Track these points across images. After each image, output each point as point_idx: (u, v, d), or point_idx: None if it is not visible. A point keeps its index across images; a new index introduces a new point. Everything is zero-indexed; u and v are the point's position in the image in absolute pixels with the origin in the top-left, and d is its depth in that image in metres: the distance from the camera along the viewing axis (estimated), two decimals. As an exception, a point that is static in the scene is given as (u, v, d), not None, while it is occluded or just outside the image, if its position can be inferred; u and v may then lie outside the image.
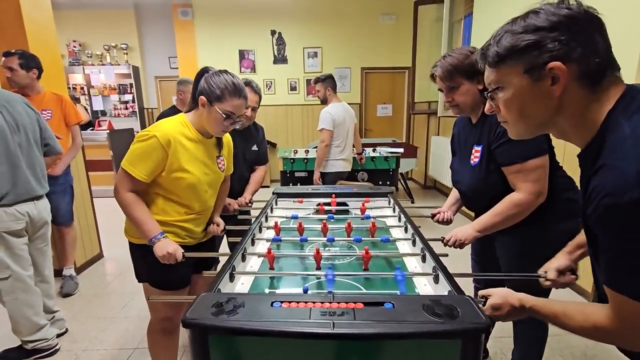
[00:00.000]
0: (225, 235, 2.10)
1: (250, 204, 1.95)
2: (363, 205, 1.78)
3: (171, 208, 1.33)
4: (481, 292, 0.89)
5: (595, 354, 1.86)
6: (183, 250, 1.28)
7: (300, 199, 1.98)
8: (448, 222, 1.60)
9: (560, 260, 1.02)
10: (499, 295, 0.84)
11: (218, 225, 1.54)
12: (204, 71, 1.31)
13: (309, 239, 1.39)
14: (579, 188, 0.74)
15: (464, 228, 1.32)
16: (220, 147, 1.45)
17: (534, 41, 0.63)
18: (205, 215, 1.45)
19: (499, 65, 0.69)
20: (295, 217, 1.67)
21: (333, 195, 1.91)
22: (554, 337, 1.40)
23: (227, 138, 1.52)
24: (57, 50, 2.77)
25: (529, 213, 1.21)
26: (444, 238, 1.36)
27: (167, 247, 1.24)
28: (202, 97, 1.27)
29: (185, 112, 1.36)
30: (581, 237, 1.01)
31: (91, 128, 5.49)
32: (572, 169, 1.27)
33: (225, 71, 1.30)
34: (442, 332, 0.71)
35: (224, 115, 1.27)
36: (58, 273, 2.64)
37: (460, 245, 1.32)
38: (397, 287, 1.03)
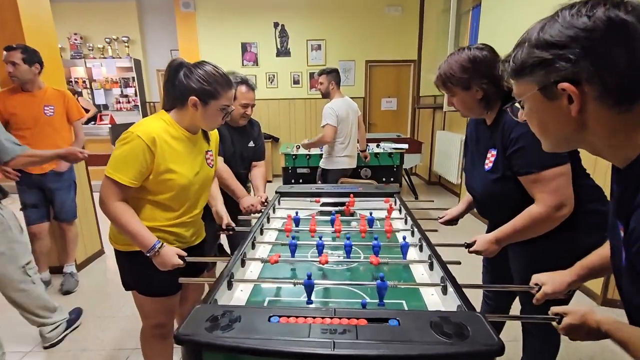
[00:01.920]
0: (220, 238, 2.08)
1: (267, 202, 1.91)
2: (347, 206, 1.72)
3: (159, 213, 1.24)
4: (556, 309, 0.83)
5: (605, 358, 1.81)
6: (185, 254, 1.24)
7: (317, 199, 1.91)
8: (453, 223, 1.55)
9: (564, 277, 0.95)
10: (578, 315, 0.78)
11: (221, 217, 1.54)
12: (180, 65, 1.20)
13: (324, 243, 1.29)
14: (609, 199, 0.69)
15: (486, 239, 1.24)
16: (208, 140, 1.38)
17: (541, 60, 0.57)
18: (196, 218, 1.37)
19: (517, 78, 0.64)
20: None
21: (351, 195, 1.85)
22: (561, 342, 1.35)
23: (213, 131, 1.44)
24: (55, 44, 2.71)
25: (552, 228, 1.11)
26: (467, 244, 1.29)
27: (172, 259, 1.19)
28: (193, 97, 1.17)
29: (166, 110, 1.26)
30: (592, 258, 0.94)
31: (93, 122, 5.46)
32: (601, 179, 1.19)
33: (204, 62, 1.21)
34: (452, 354, 0.66)
35: (222, 112, 1.22)
36: (59, 270, 2.63)
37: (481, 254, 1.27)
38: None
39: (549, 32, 0.56)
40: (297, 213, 1.57)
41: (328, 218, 1.54)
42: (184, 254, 1.23)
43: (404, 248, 1.21)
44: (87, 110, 5.33)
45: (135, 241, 1.17)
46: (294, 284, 1.03)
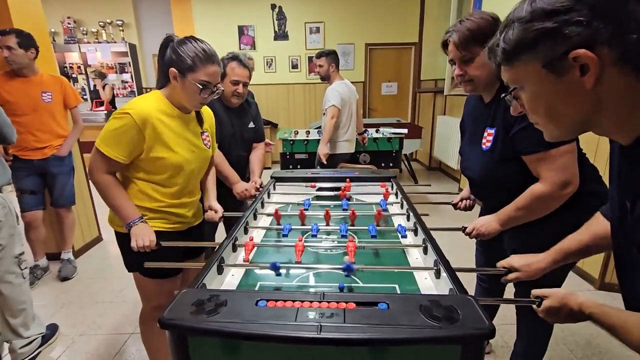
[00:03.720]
0: (222, 222, 2.06)
1: (261, 188, 1.87)
2: (343, 191, 1.69)
3: (157, 193, 1.25)
4: (536, 292, 0.82)
5: (600, 342, 1.82)
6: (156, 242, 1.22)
7: (313, 184, 1.88)
8: (470, 208, 1.52)
9: (539, 264, 0.94)
10: (557, 297, 0.76)
11: (216, 211, 1.46)
12: (169, 40, 1.20)
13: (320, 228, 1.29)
14: (610, 179, 0.65)
15: (487, 220, 1.21)
16: (201, 122, 1.36)
17: (545, 30, 0.51)
18: (195, 197, 1.37)
19: (511, 62, 0.58)
20: (307, 205, 1.55)
21: (348, 180, 1.82)
22: (557, 325, 1.34)
23: (207, 112, 1.42)
24: (44, 27, 2.64)
25: (557, 207, 1.08)
26: (464, 228, 1.26)
27: (144, 234, 1.18)
28: (172, 69, 1.17)
29: (158, 89, 1.26)
30: (568, 242, 0.92)
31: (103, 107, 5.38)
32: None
33: (192, 37, 1.19)
34: (440, 338, 0.64)
35: (200, 86, 1.18)
36: (56, 257, 2.64)
37: (481, 237, 1.23)
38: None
39: (543, 1, 0.51)
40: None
41: (320, 214, 1.43)
42: (157, 242, 1.22)
43: (401, 231, 1.19)
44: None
45: (118, 214, 1.19)
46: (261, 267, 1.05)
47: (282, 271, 1.04)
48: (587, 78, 0.51)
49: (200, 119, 1.36)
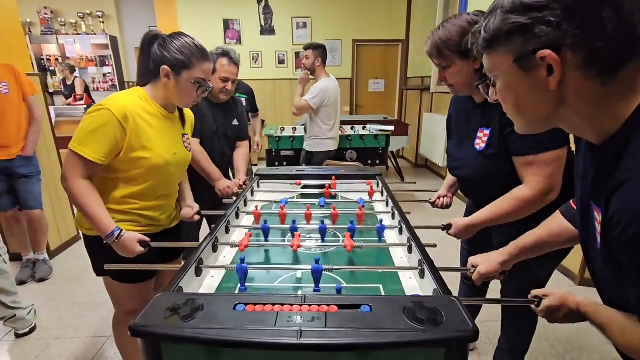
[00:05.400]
0: (205, 221, 2.01)
1: (244, 185, 1.83)
2: (327, 188, 1.66)
3: (130, 195, 1.17)
4: (535, 292, 0.81)
5: (580, 337, 1.86)
6: (148, 240, 1.17)
7: (298, 181, 1.83)
8: (447, 207, 1.52)
9: (497, 257, 0.96)
10: (557, 297, 0.76)
11: (193, 208, 1.40)
12: (154, 37, 1.14)
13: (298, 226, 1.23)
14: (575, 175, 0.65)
15: (462, 223, 1.21)
16: (183, 122, 1.31)
17: (518, 25, 0.51)
18: (170, 201, 1.31)
19: (489, 50, 0.58)
20: (285, 202, 1.49)
21: (333, 177, 1.79)
22: (539, 322, 1.36)
23: (188, 113, 1.37)
24: (16, 15, 2.50)
25: (535, 211, 1.08)
26: (444, 226, 1.26)
27: (133, 248, 1.12)
28: (165, 67, 1.11)
29: (141, 86, 1.19)
30: (525, 238, 0.94)
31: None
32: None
33: (181, 33, 1.14)
34: (424, 341, 0.63)
35: (196, 84, 1.14)
36: (18, 258, 2.51)
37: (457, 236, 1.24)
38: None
39: None
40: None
41: (301, 211, 1.37)
42: (147, 239, 1.16)
43: (380, 231, 1.17)
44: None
45: (93, 225, 1.10)
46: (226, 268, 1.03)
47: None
48: (552, 78, 0.51)
49: (183, 120, 1.30)
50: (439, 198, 1.51)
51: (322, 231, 1.17)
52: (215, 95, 1.77)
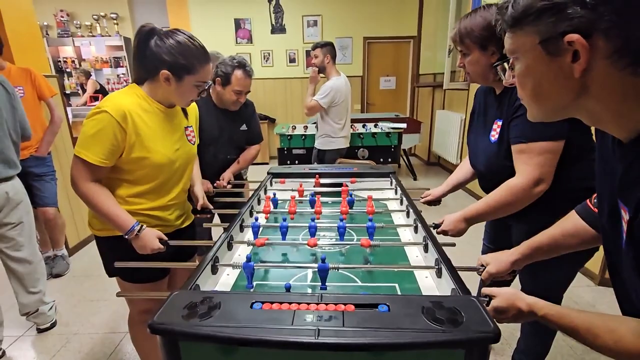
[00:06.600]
0: (218, 219, 2.01)
1: (228, 185, 1.80)
2: (345, 185, 1.63)
3: (137, 195, 1.16)
4: (485, 291, 0.79)
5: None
6: (166, 238, 1.18)
7: (317, 180, 1.78)
8: (435, 203, 1.50)
9: (508, 257, 0.93)
10: (505, 297, 0.74)
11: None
12: (149, 33, 1.07)
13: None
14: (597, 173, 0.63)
15: (454, 219, 1.18)
16: (186, 115, 1.29)
17: (551, 4, 0.48)
18: (179, 200, 1.29)
19: (515, 29, 0.55)
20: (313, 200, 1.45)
21: (353, 179, 1.77)
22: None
23: (191, 105, 1.32)
24: (33, 18, 2.56)
25: (527, 204, 1.07)
26: (435, 225, 1.22)
27: (152, 243, 1.12)
28: (165, 71, 1.07)
29: (137, 83, 1.15)
30: (539, 237, 0.91)
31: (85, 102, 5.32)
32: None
33: (177, 30, 1.09)
34: (444, 342, 0.62)
35: (198, 88, 1.13)
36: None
37: (446, 234, 1.20)
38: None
39: None
40: (275, 195, 1.47)
41: (319, 209, 1.38)
42: (165, 237, 1.17)
43: (369, 229, 1.13)
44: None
45: (112, 223, 1.11)
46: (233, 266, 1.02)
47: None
48: (576, 65, 0.49)
49: (185, 112, 1.28)
50: (429, 194, 1.50)
51: (341, 230, 1.15)
52: (226, 104, 1.76)
